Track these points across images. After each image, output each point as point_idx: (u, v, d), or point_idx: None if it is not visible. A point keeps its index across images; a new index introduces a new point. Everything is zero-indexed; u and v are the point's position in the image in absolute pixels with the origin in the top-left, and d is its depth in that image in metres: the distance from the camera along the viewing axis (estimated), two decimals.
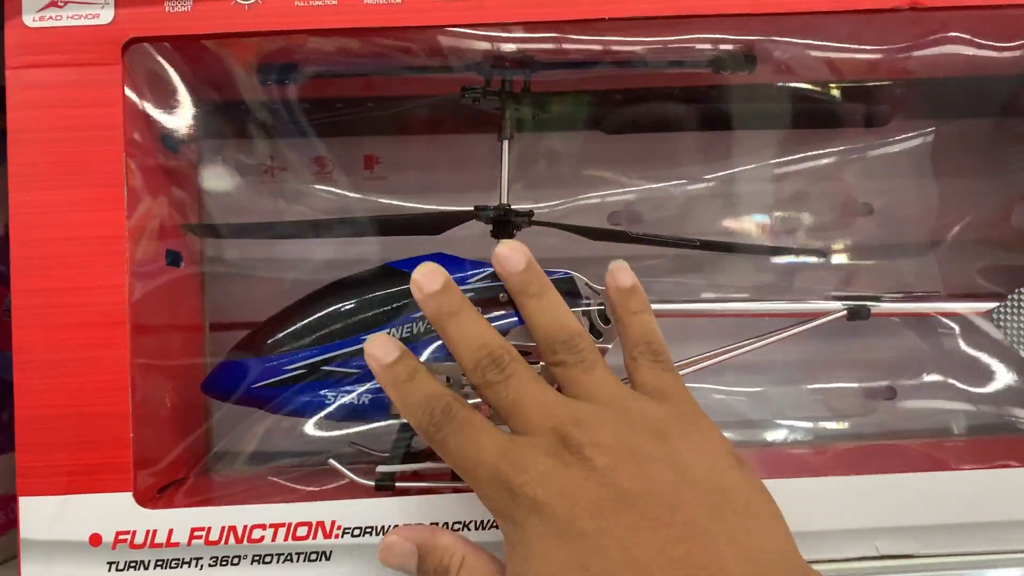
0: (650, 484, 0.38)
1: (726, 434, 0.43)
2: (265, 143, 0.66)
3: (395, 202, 0.66)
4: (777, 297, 0.58)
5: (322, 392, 0.53)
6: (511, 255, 0.46)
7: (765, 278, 0.68)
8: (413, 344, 0.53)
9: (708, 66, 0.57)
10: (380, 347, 0.44)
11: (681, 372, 0.56)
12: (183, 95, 0.58)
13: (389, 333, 0.52)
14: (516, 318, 0.53)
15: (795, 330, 0.57)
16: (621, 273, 0.48)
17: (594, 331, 0.56)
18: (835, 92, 0.64)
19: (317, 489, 0.52)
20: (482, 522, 0.49)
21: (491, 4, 0.50)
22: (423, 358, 0.52)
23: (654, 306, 0.57)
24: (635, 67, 0.57)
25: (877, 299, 0.58)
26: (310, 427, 0.53)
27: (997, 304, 0.58)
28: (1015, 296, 0.58)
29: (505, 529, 0.40)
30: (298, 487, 0.53)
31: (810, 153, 0.68)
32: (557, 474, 0.38)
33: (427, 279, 0.45)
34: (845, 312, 0.57)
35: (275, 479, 0.55)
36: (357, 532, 0.49)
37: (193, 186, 0.64)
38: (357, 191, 0.67)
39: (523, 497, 0.38)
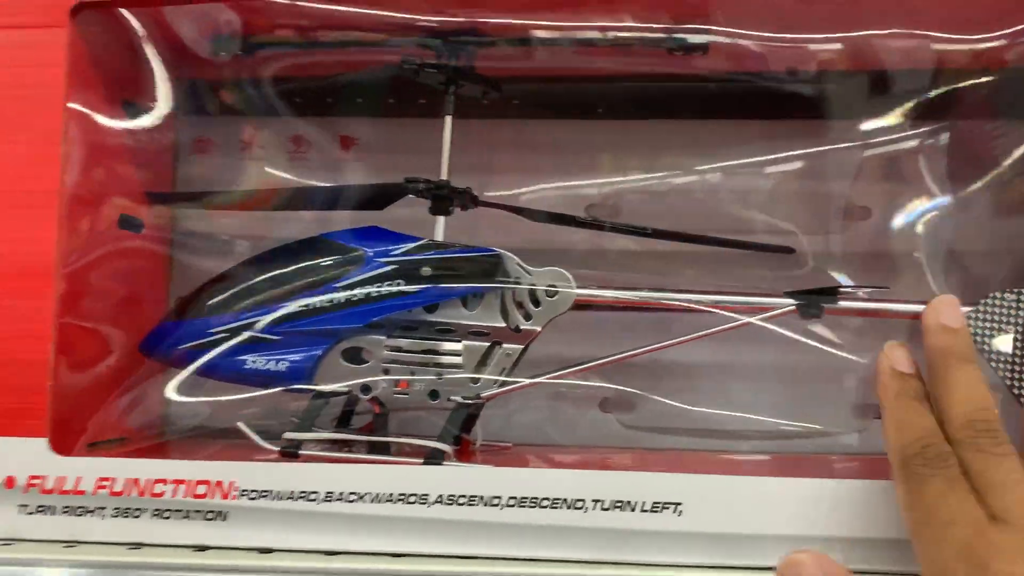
0: None
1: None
2: (242, 120, 0.68)
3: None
4: (723, 290, 0.55)
5: (241, 356, 0.53)
6: (949, 310, 0.46)
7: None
8: (331, 314, 0.53)
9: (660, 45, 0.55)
10: (899, 356, 0.45)
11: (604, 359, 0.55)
12: (150, 66, 0.60)
13: (307, 304, 0.53)
14: (436, 294, 0.52)
15: (737, 323, 0.54)
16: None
17: (525, 312, 0.54)
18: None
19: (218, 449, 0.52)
20: (378, 495, 0.48)
21: None
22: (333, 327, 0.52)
23: (587, 291, 0.54)
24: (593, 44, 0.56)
25: (833, 295, 0.54)
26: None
27: (970, 308, 0.52)
28: (991, 299, 0.52)
29: None
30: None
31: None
32: None
33: (948, 311, 0.46)
34: (794, 308, 0.53)
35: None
36: (254, 495, 0.49)
37: (165, 158, 0.66)
38: (333, 172, 0.68)
39: None
